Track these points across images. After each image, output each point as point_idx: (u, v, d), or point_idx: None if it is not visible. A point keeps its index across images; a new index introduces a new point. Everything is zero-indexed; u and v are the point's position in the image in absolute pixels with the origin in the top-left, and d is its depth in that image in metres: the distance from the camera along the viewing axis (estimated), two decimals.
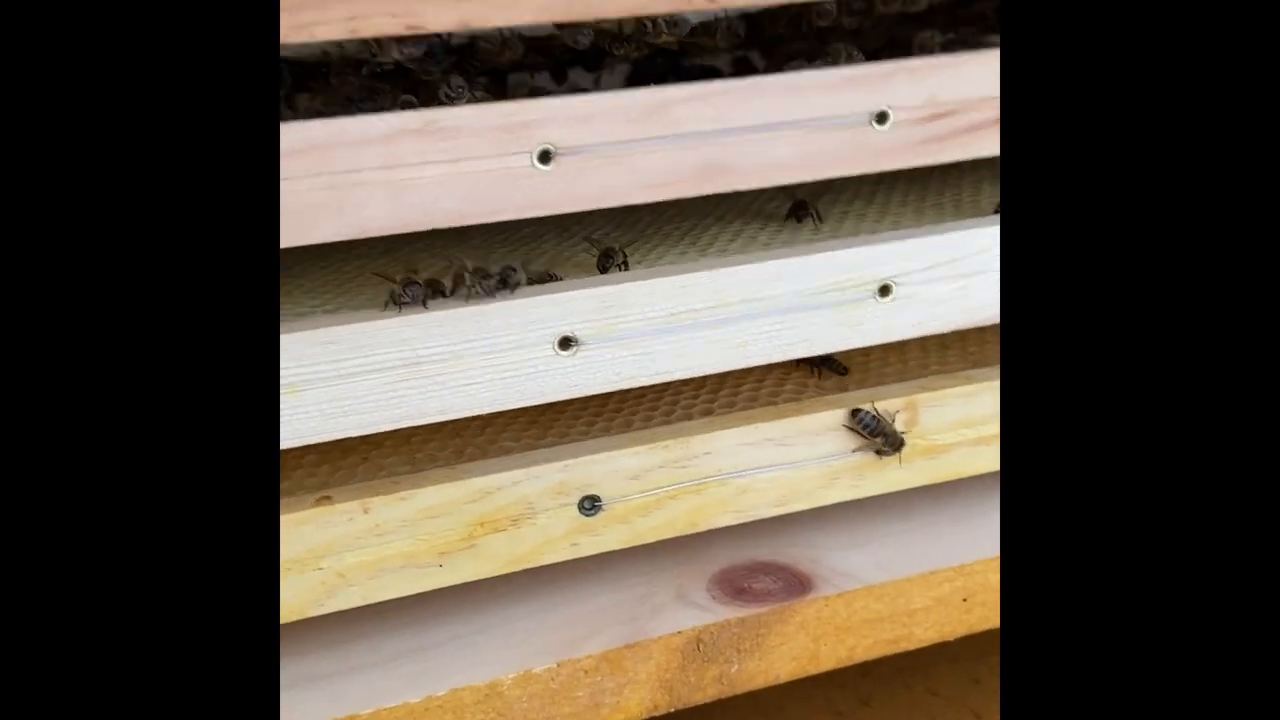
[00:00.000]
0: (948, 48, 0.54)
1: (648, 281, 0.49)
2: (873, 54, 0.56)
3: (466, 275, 0.46)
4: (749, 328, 0.51)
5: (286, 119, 0.43)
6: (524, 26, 0.45)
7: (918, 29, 0.55)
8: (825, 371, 0.58)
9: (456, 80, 0.46)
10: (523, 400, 0.49)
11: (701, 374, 0.51)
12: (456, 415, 0.48)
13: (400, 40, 0.45)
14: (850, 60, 0.52)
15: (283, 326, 0.45)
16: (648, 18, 0.48)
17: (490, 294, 0.46)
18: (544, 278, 0.51)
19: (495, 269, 0.48)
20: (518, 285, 0.48)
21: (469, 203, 0.46)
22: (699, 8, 0.46)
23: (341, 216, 0.44)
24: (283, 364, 0.45)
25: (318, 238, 0.44)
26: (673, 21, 0.52)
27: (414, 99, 0.47)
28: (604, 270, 0.53)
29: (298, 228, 0.44)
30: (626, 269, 0.53)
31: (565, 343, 0.49)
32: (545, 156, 0.46)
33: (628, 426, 0.56)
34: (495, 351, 0.48)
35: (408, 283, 0.45)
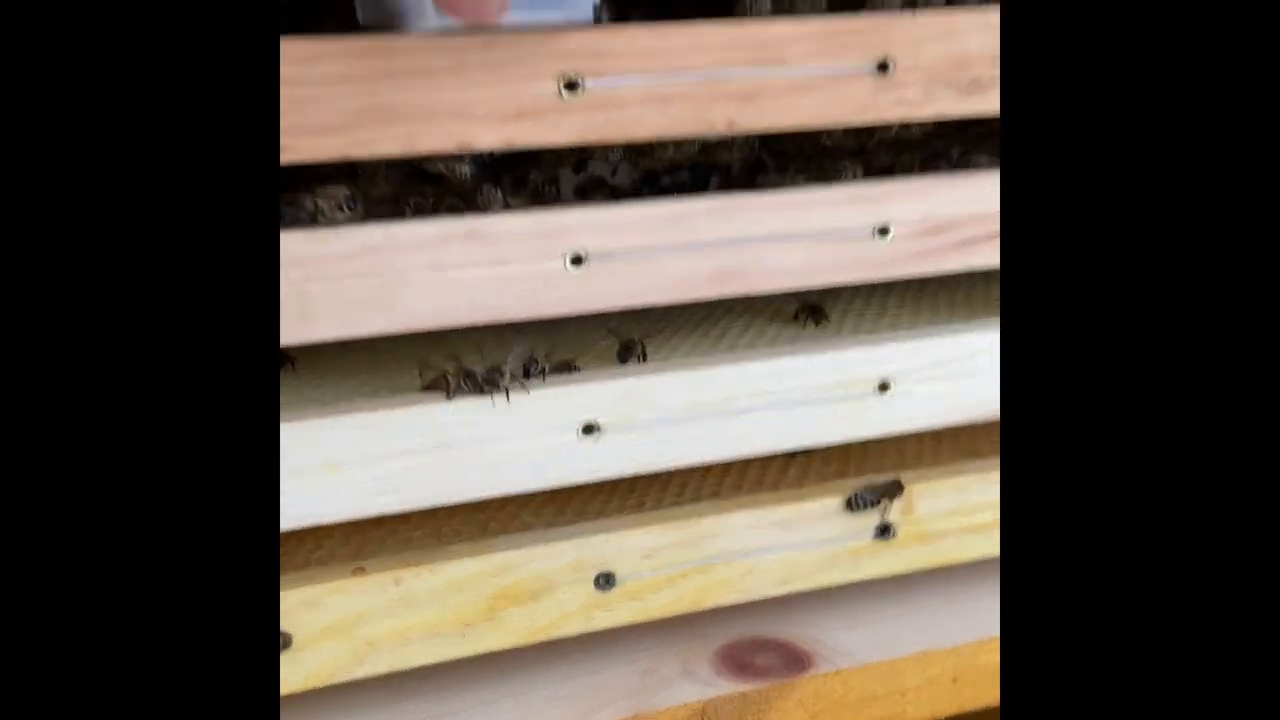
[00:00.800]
0: (926, 166, 0.59)
1: (666, 375, 0.53)
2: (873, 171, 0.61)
3: (504, 369, 0.50)
4: (757, 420, 0.55)
5: (340, 221, 0.48)
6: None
7: (912, 150, 0.60)
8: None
9: (490, 188, 0.51)
10: (547, 483, 0.52)
11: (714, 461, 0.55)
12: (485, 496, 0.52)
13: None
14: (853, 177, 0.57)
15: (324, 410, 0.49)
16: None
17: (522, 386, 0.50)
18: (565, 367, 0.55)
19: (521, 362, 0.52)
20: (542, 373, 0.52)
21: (507, 300, 0.50)
22: (720, 132, 0.51)
23: (390, 312, 0.48)
24: (326, 445, 0.49)
25: (367, 331, 0.48)
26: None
27: (460, 203, 0.51)
28: (624, 360, 0.57)
29: (349, 322, 0.48)
30: (645, 360, 0.57)
31: (588, 429, 0.53)
32: (577, 260, 0.51)
33: (640, 506, 0.60)
34: (524, 436, 0.51)
35: (466, 374, 0.49)
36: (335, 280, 0.47)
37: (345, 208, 0.47)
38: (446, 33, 0.46)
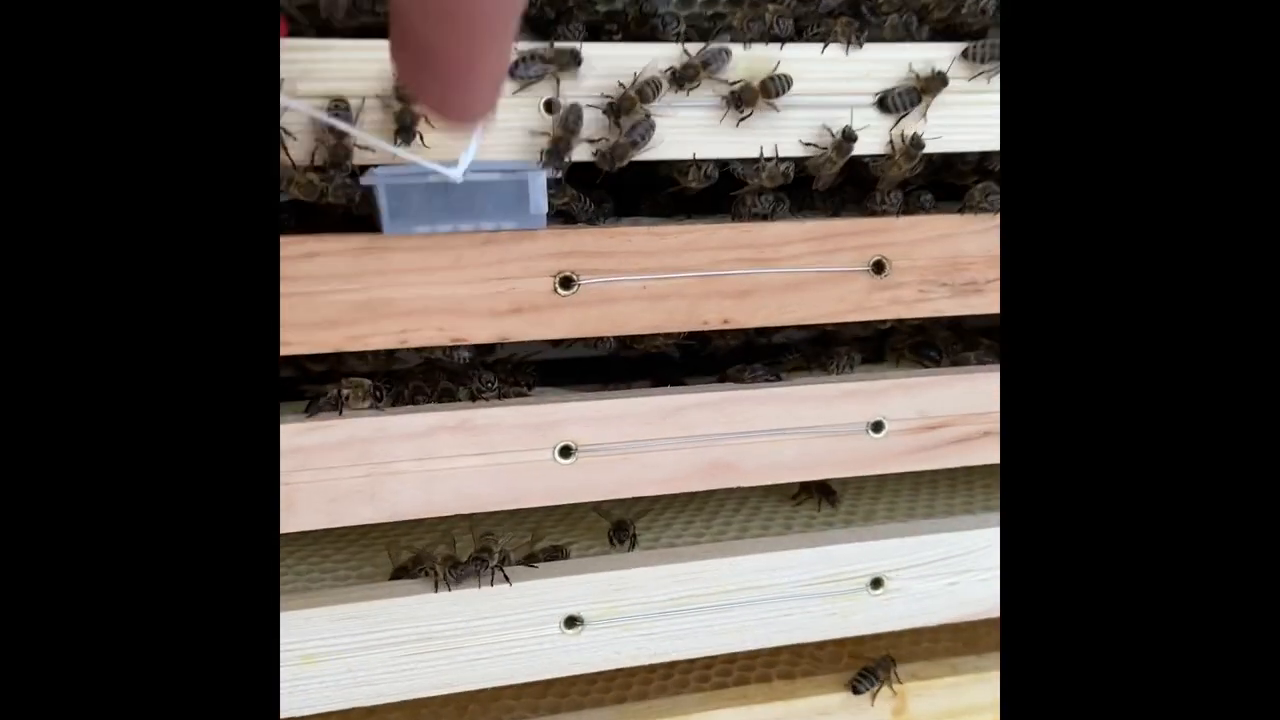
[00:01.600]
0: (918, 351, 0.59)
1: (653, 567, 0.52)
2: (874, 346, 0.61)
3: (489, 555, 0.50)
4: (747, 614, 0.54)
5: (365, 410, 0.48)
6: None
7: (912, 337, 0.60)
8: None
9: (487, 375, 0.51)
10: (527, 676, 0.51)
11: (698, 655, 0.54)
12: (463, 689, 0.50)
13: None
14: (850, 363, 0.57)
15: (305, 600, 0.49)
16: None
17: (505, 578, 0.50)
18: (555, 553, 0.54)
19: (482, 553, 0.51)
20: (502, 563, 0.51)
21: (494, 490, 0.50)
22: (715, 327, 0.52)
23: (375, 502, 0.48)
24: (304, 637, 0.48)
25: (352, 520, 0.48)
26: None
27: (452, 387, 0.51)
28: (619, 541, 0.56)
29: (335, 512, 0.48)
30: (635, 545, 0.56)
31: (571, 622, 0.51)
32: (566, 451, 0.50)
33: (625, 690, 0.58)
34: (505, 629, 0.50)
35: (453, 564, 0.49)
36: (322, 470, 0.47)
37: (372, 397, 0.48)
38: (435, 234, 0.47)
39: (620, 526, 0.57)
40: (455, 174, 0.44)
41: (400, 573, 0.51)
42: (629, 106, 0.47)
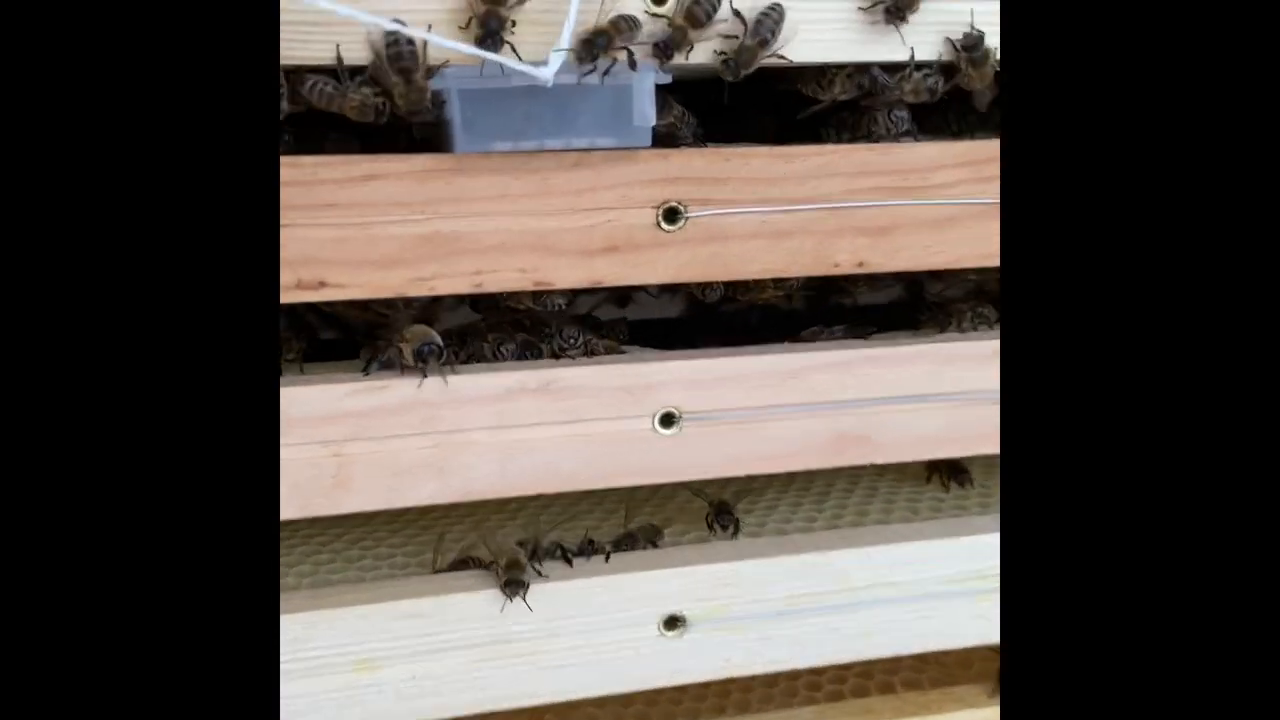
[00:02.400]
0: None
1: (768, 559, 0.44)
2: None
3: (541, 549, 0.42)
4: (875, 616, 0.45)
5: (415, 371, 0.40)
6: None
7: None
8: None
9: (570, 329, 0.43)
10: (620, 686, 0.43)
11: (819, 665, 0.46)
12: (545, 700, 0.43)
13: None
14: (976, 318, 0.48)
15: (362, 596, 0.41)
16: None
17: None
18: (651, 533, 0.46)
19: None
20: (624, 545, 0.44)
21: (582, 466, 0.42)
22: (825, 273, 0.43)
23: (444, 478, 0.40)
24: (362, 637, 0.40)
25: (418, 500, 0.40)
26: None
27: (533, 340, 0.43)
28: (724, 528, 0.48)
29: (397, 489, 0.40)
30: (738, 531, 0.48)
31: (671, 623, 0.43)
32: (668, 420, 0.42)
33: (724, 699, 0.50)
34: (593, 630, 0.43)
35: (512, 578, 0.41)
36: (381, 440, 0.39)
37: (421, 356, 0.39)
38: (516, 153, 0.38)
39: (723, 509, 0.49)
40: (545, 74, 0.35)
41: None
42: (679, 40, 0.37)
